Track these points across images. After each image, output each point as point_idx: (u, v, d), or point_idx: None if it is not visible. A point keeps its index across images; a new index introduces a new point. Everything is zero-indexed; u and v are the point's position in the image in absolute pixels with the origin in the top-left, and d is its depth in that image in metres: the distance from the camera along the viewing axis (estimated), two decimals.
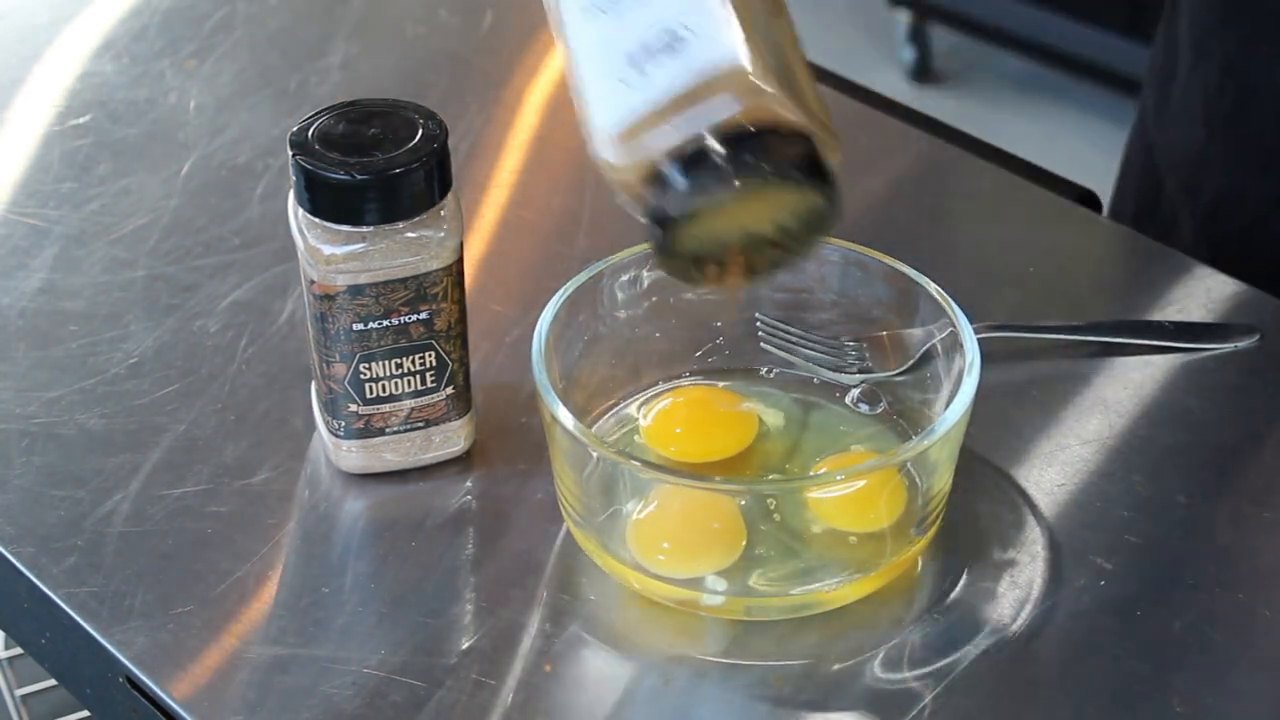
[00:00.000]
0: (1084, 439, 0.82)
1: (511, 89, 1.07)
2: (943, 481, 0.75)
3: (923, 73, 2.68)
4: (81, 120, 1.03)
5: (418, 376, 0.78)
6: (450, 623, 0.74)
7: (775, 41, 0.68)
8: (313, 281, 0.75)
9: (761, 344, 0.83)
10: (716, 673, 0.73)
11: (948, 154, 1.01)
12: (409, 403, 0.78)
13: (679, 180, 0.66)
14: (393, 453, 0.79)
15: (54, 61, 1.08)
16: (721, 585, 0.74)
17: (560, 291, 0.78)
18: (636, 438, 0.80)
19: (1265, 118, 1.00)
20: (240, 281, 0.91)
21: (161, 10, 1.12)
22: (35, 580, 0.76)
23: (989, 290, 0.91)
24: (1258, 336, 0.87)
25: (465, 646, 0.73)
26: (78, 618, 0.74)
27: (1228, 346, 0.87)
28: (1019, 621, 0.74)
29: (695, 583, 0.74)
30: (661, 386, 0.83)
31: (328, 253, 0.75)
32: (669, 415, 0.81)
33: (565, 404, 0.73)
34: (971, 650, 0.73)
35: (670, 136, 0.66)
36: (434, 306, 0.76)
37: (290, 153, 0.74)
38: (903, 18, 2.66)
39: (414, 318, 0.76)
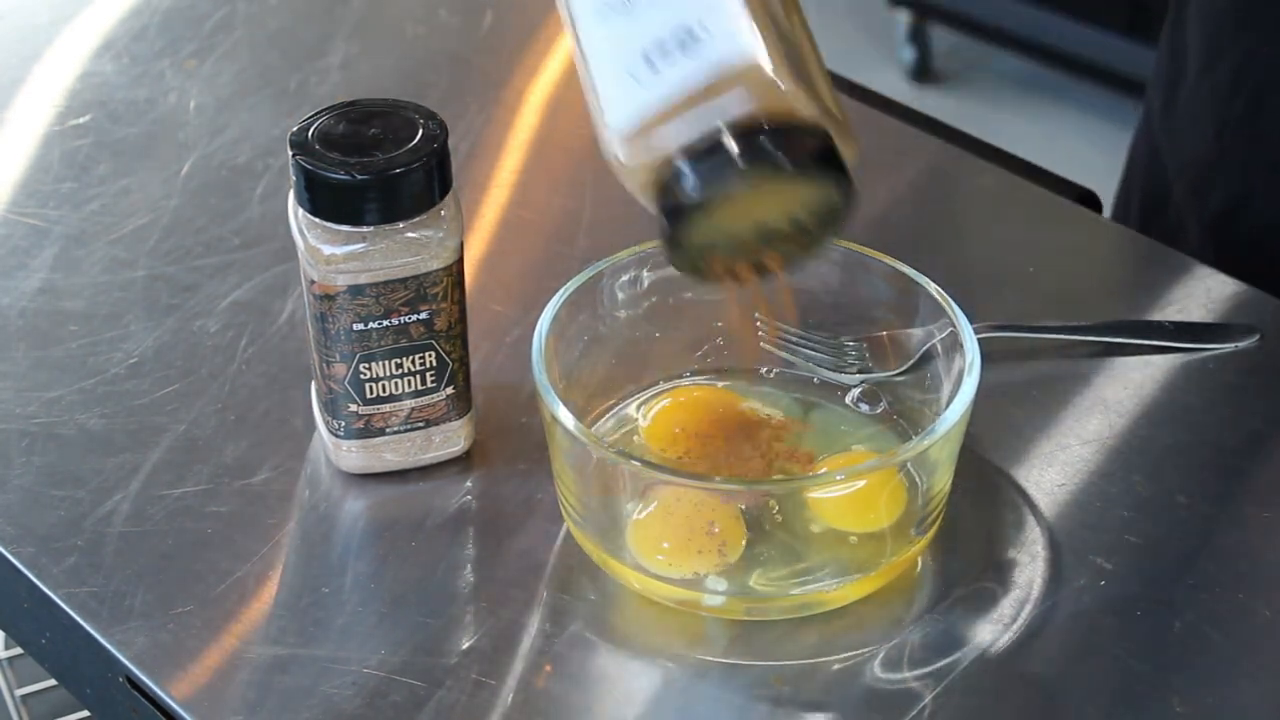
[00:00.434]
0: (1084, 439, 0.82)
1: (511, 89, 1.07)
2: (943, 481, 0.75)
3: (923, 73, 2.69)
4: (81, 120, 1.03)
5: (418, 376, 0.78)
6: (450, 623, 0.74)
7: (791, 38, 0.68)
8: (313, 281, 0.75)
9: (761, 344, 0.83)
10: (716, 673, 0.73)
11: (948, 154, 1.01)
12: (409, 403, 0.78)
13: (691, 173, 0.66)
14: (393, 453, 0.79)
15: (54, 61, 1.08)
16: (722, 585, 0.74)
17: (560, 291, 0.78)
18: (636, 438, 0.80)
19: (1277, 121, 0.99)
20: (240, 281, 0.91)
21: (161, 10, 1.12)
22: (35, 580, 0.76)
23: (989, 290, 0.91)
24: (1258, 336, 0.87)
25: (465, 646, 0.73)
26: (78, 618, 0.74)
27: (1228, 346, 0.87)
28: (1019, 621, 0.74)
29: (695, 583, 0.74)
30: (661, 386, 0.83)
31: (328, 253, 0.75)
32: (669, 415, 0.81)
33: (565, 404, 0.73)
34: (971, 650, 0.73)
35: (684, 132, 0.66)
36: (434, 306, 0.76)
37: (290, 153, 0.74)
38: (903, 18, 2.66)
39: (414, 318, 0.76)
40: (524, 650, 0.73)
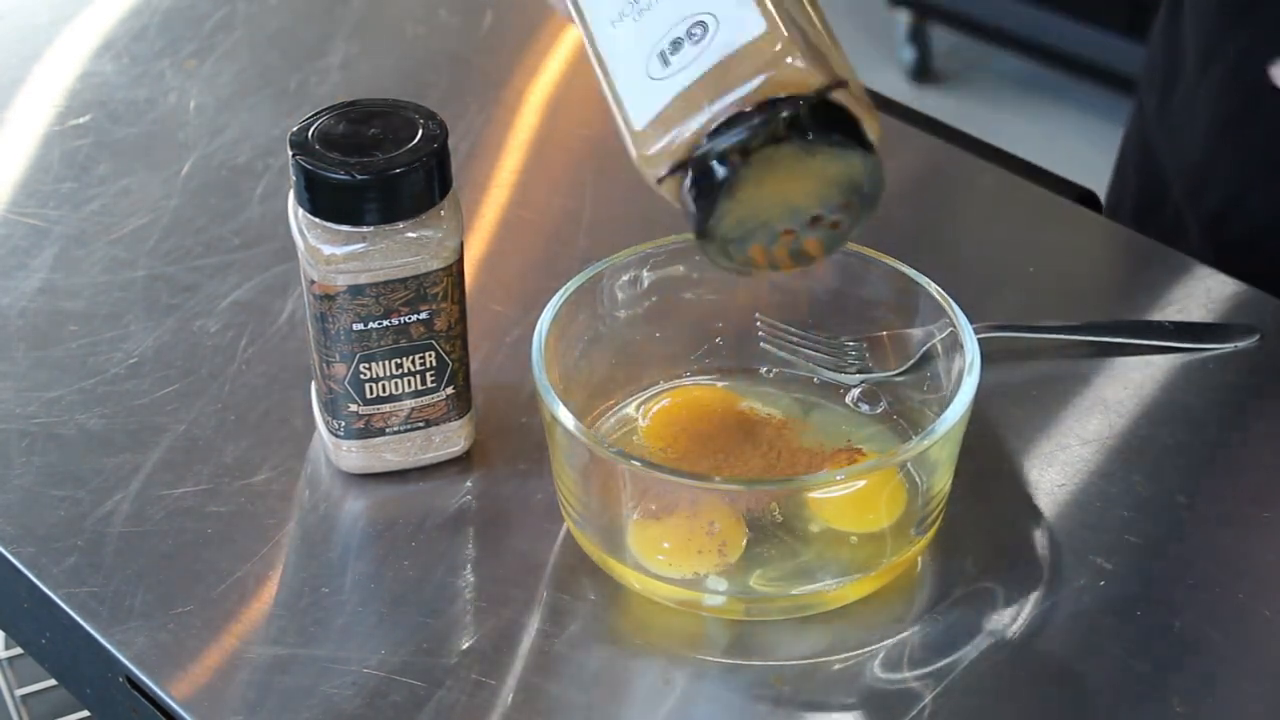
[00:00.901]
0: (1084, 439, 0.82)
1: (511, 89, 1.07)
2: (943, 481, 0.75)
3: (923, 73, 2.68)
4: (81, 120, 1.03)
5: (418, 376, 0.78)
6: (450, 623, 0.74)
7: (802, 13, 0.68)
8: (313, 281, 0.75)
9: (761, 344, 0.83)
10: (716, 673, 0.73)
11: (948, 154, 1.01)
12: (409, 403, 0.78)
13: (713, 154, 0.66)
14: (393, 453, 0.79)
15: (54, 61, 1.08)
16: (722, 585, 0.74)
17: (560, 291, 0.78)
18: (636, 438, 0.80)
19: (1273, 121, 0.99)
20: (240, 281, 0.91)
21: (161, 10, 1.12)
22: (35, 580, 0.76)
23: (989, 290, 0.91)
24: (1258, 336, 0.87)
25: (465, 646, 0.73)
26: (78, 618, 0.74)
27: (1228, 346, 0.87)
28: (1019, 621, 0.74)
29: (696, 583, 0.74)
30: (661, 386, 0.83)
31: (328, 253, 0.75)
32: (669, 415, 0.81)
33: (565, 404, 0.73)
34: (971, 650, 0.73)
35: (702, 118, 0.66)
36: (434, 306, 0.76)
37: (290, 153, 0.74)
38: (903, 18, 2.66)
39: (414, 318, 0.76)
40: (524, 650, 0.73)
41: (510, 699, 0.71)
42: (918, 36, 2.68)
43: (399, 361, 0.77)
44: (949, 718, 0.71)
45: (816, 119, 0.66)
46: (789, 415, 0.81)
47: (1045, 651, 0.73)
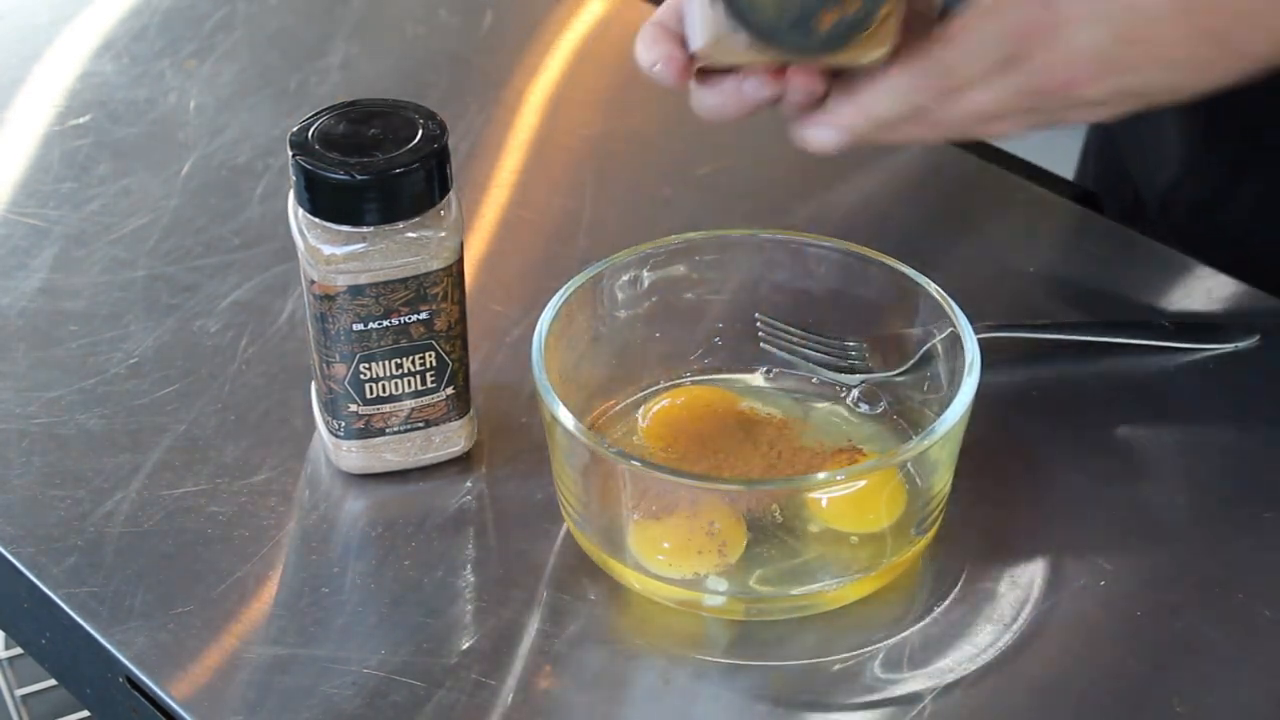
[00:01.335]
0: (1084, 439, 0.82)
1: (511, 89, 1.07)
2: (943, 481, 0.75)
3: None
4: (81, 120, 1.03)
5: (418, 376, 0.78)
6: (450, 623, 0.74)
7: None
8: (313, 281, 0.75)
9: (761, 344, 0.83)
10: (716, 673, 0.73)
11: (947, 154, 1.01)
12: (409, 403, 0.78)
13: None
14: (393, 453, 0.79)
15: (54, 61, 1.08)
16: (722, 585, 0.74)
17: (560, 291, 0.78)
18: (636, 438, 0.80)
19: (1232, 123, 0.99)
20: (240, 281, 0.91)
21: (161, 10, 1.12)
22: (35, 580, 0.76)
23: (989, 290, 0.91)
24: (1258, 336, 0.87)
25: (465, 646, 0.73)
26: (78, 618, 0.74)
27: (1228, 346, 0.87)
28: (1019, 621, 0.74)
29: (696, 583, 0.74)
30: (661, 386, 0.83)
31: (328, 253, 0.75)
32: (669, 415, 0.81)
33: (565, 404, 0.73)
34: (971, 650, 0.73)
35: None
36: (434, 306, 0.76)
37: (290, 153, 0.74)
38: None
39: (414, 318, 0.76)
40: (524, 650, 0.73)
41: (510, 699, 0.71)
42: None
43: (399, 362, 0.77)
44: (949, 718, 0.71)
45: None
46: (789, 415, 0.81)
47: (1045, 652, 0.73)
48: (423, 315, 0.76)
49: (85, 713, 1.02)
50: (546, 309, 0.77)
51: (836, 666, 0.73)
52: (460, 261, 0.76)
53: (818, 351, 0.83)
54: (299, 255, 0.76)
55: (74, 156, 1.00)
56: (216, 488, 0.80)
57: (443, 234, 0.75)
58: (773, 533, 0.75)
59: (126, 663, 0.73)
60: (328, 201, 0.74)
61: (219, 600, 0.75)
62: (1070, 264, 0.94)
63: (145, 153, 1.00)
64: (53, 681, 1.02)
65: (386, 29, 1.12)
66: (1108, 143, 1.10)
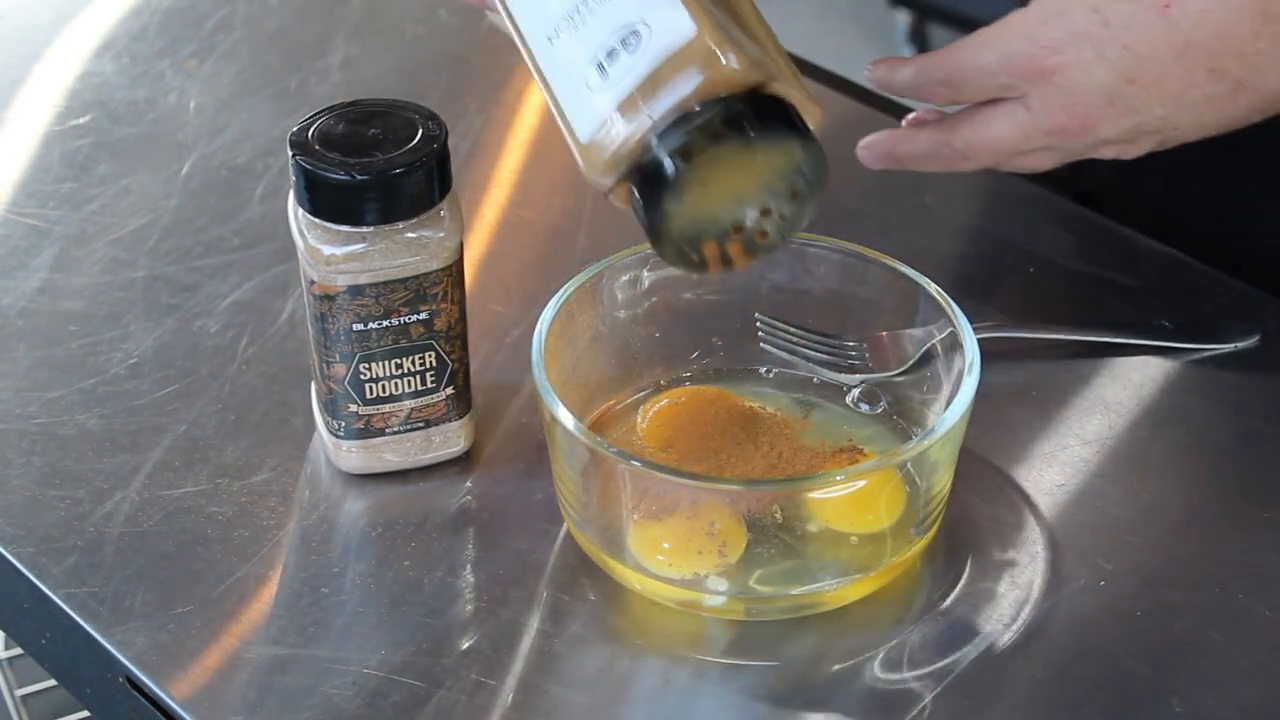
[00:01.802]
0: (1084, 439, 0.82)
1: (511, 89, 1.07)
2: (943, 482, 0.75)
3: None
4: (81, 120, 1.03)
5: (418, 377, 0.78)
6: (450, 623, 0.74)
7: (731, 10, 0.69)
8: (313, 282, 0.75)
9: (761, 344, 0.83)
10: (716, 673, 0.73)
11: None
12: (409, 403, 0.78)
13: (657, 159, 0.67)
14: (393, 453, 0.79)
15: (54, 61, 1.08)
16: (722, 585, 0.74)
17: (560, 291, 0.78)
18: (636, 438, 0.80)
19: None
20: (240, 281, 0.91)
21: (161, 10, 1.12)
22: (35, 580, 0.76)
23: (989, 290, 0.91)
24: (1258, 336, 0.87)
25: (465, 646, 0.73)
26: (78, 618, 0.74)
27: (1228, 346, 0.87)
28: (1019, 621, 0.74)
29: (696, 583, 0.74)
30: (661, 386, 0.83)
31: (328, 253, 0.75)
32: (669, 415, 0.81)
33: (565, 404, 0.73)
34: (971, 650, 0.73)
35: (643, 124, 0.67)
36: (434, 306, 0.76)
37: (290, 153, 0.74)
38: (903, 18, 2.66)
39: (414, 318, 0.76)
40: (524, 650, 0.73)
41: (510, 699, 0.71)
42: (918, 36, 2.67)
43: (399, 362, 0.77)
44: (949, 718, 0.71)
45: (754, 113, 0.67)
46: (789, 415, 0.81)
47: (1045, 652, 0.73)
48: (422, 315, 0.76)
49: (85, 713, 1.01)
50: (546, 309, 0.77)
51: (836, 666, 0.73)
52: (460, 261, 0.76)
53: (818, 351, 0.83)
54: (299, 255, 0.76)
55: (74, 156, 1.00)
56: (216, 488, 0.80)
57: (442, 234, 0.75)
58: (773, 533, 0.75)
59: (126, 663, 0.73)
60: (328, 201, 0.74)
61: (219, 600, 0.75)
62: (1070, 264, 0.94)
63: (145, 153, 1.00)
64: (53, 681, 1.02)
65: (386, 29, 1.12)
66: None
